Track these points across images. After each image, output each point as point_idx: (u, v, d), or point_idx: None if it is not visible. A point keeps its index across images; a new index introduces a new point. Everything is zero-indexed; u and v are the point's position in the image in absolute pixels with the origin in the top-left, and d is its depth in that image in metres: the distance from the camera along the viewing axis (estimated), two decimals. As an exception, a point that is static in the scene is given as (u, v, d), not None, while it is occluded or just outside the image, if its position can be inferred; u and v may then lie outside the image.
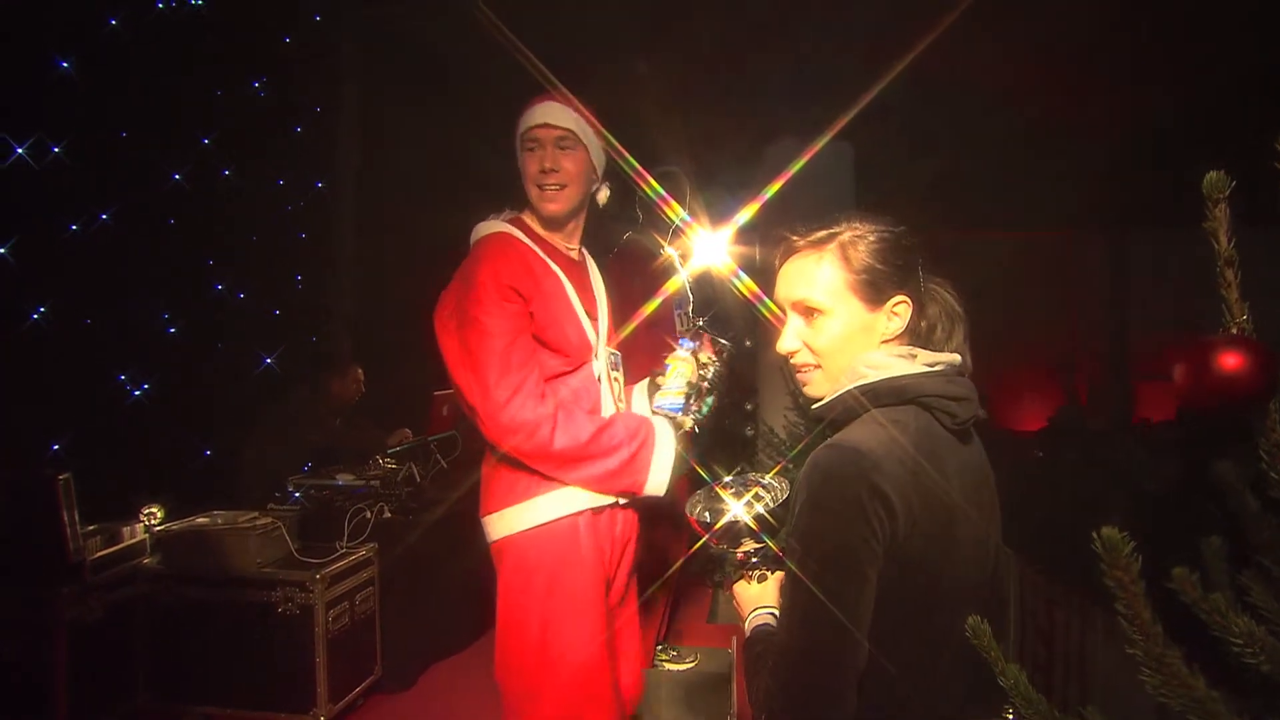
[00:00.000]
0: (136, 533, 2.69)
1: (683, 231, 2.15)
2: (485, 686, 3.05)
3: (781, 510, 1.16)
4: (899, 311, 1.04)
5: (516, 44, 1.93)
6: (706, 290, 2.08)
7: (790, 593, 0.97)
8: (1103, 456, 3.81)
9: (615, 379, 1.72)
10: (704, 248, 2.08)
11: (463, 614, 3.37)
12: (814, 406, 1.07)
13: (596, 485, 1.57)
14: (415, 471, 3.34)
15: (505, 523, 1.60)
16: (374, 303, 4.52)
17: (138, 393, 3.16)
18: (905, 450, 0.94)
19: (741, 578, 1.20)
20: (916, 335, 1.08)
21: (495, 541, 1.64)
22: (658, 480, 1.59)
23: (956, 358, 1.06)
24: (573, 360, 1.63)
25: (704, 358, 1.66)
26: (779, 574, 1.20)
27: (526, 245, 1.65)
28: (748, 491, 1.23)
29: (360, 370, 3.98)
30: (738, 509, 1.21)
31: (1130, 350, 6.51)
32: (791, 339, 1.07)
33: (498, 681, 1.61)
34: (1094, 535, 0.67)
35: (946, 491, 0.96)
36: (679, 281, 1.99)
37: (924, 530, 0.93)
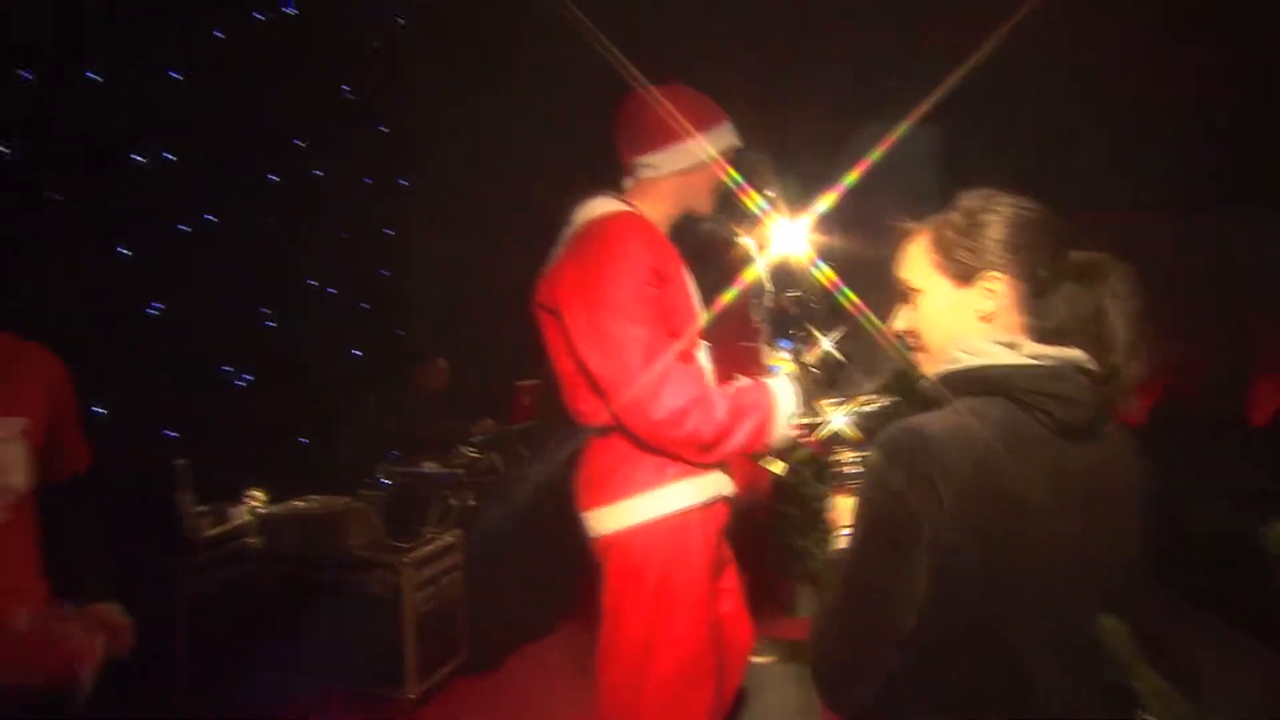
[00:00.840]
0: (242, 514, 2.87)
1: (760, 220, 2.10)
2: (567, 671, 3.13)
3: (879, 423, 1.19)
4: (993, 289, 1.01)
5: (599, 36, 1.93)
6: (785, 281, 2.03)
7: (844, 556, 1.02)
8: (1212, 450, 3.58)
9: (708, 371, 1.70)
10: (783, 237, 2.03)
11: (544, 600, 3.44)
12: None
13: (729, 456, 1.53)
14: (498, 461, 3.43)
15: (618, 516, 1.54)
16: (457, 296, 4.65)
17: (240, 383, 3.36)
18: (975, 440, 0.92)
19: (842, 487, 1.23)
20: (1036, 325, 1.02)
21: (604, 536, 1.57)
22: (781, 434, 1.53)
23: (1077, 353, 0.99)
24: (689, 348, 1.59)
25: (809, 358, 1.58)
26: None
27: (655, 228, 1.59)
28: (849, 404, 1.35)
29: (444, 361, 4.10)
30: (837, 418, 1.33)
31: (1244, 340, 6.05)
32: (899, 318, 1.12)
33: (598, 672, 1.58)
34: (1260, 532, 0.63)
35: (1020, 492, 0.92)
36: (756, 272, 1.95)
37: (974, 523, 0.91)
